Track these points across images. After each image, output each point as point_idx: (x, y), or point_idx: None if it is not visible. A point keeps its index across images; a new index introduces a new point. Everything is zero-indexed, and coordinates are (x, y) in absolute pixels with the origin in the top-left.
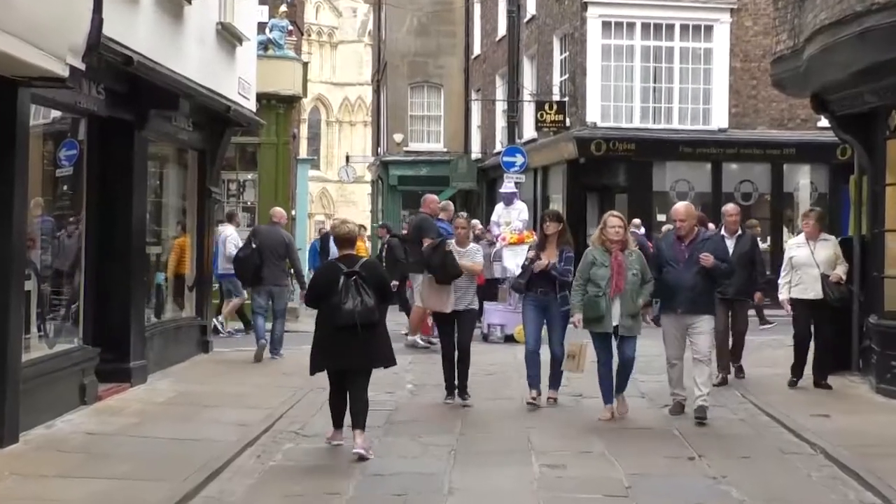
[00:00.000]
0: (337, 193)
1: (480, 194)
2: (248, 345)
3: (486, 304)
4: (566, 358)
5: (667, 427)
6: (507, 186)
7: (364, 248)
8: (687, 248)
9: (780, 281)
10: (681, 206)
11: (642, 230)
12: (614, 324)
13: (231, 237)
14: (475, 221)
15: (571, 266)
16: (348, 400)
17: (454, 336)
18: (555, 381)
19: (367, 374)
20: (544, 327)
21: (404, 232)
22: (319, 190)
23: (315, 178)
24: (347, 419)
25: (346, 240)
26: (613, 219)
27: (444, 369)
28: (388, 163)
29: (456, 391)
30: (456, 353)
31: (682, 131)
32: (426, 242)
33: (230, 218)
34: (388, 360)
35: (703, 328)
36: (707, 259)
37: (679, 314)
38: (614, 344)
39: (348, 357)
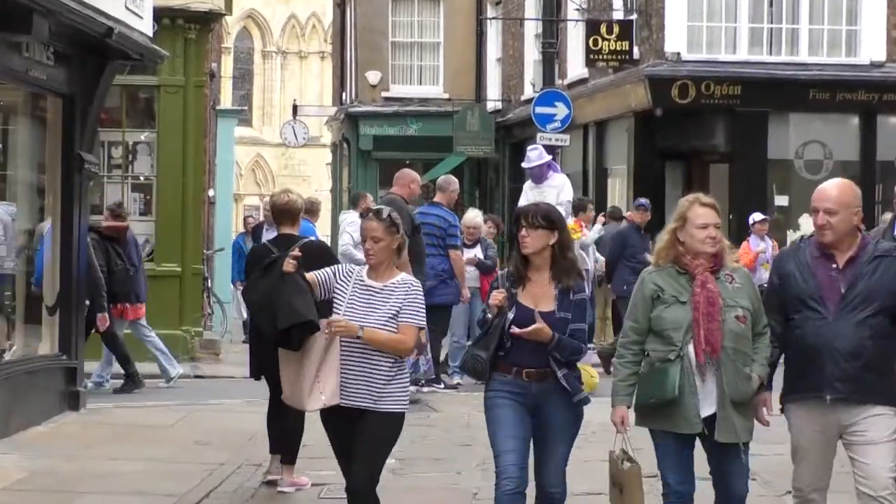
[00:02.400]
0: (279, 163)
1: (500, 165)
2: (145, 399)
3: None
4: None
5: None
6: (537, 153)
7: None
8: (842, 274)
9: None
10: (830, 189)
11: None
12: (705, 415)
13: (353, 223)
14: (475, 216)
15: (585, 321)
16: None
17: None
18: None
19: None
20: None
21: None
22: (252, 158)
23: (246, 139)
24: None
25: (284, 213)
26: (702, 210)
27: None
28: (357, 116)
29: None
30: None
31: (813, 67)
32: None
33: (355, 202)
34: None
35: (878, 433)
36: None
37: (827, 405)
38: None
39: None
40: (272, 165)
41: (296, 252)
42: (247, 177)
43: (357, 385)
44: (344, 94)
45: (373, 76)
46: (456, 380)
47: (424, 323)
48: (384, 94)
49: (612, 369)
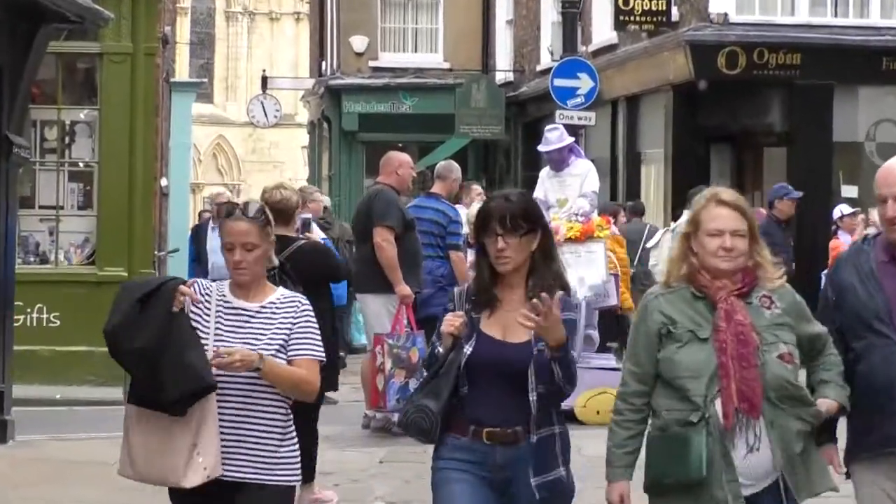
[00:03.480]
0: (245, 147)
1: (512, 149)
2: (85, 428)
3: None
4: None
5: None
6: (556, 135)
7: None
8: None
9: None
10: None
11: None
12: (747, 494)
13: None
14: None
15: (570, 352)
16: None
17: None
18: None
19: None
20: None
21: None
22: (213, 140)
23: (206, 118)
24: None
25: (278, 212)
26: (718, 211)
27: None
28: (339, 90)
29: None
30: None
31: (887, 31)
32: (380, 237)
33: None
34: (329, 385)
35: None
36: None
37: None
38: None
39: None
40: (237, 149)
41: (187, 286)
42: (207, 163)
43: (238, 450)
44: (324, 64)
45: (358, 42)
46: None
47: (324, 355)
48: (372, 63)
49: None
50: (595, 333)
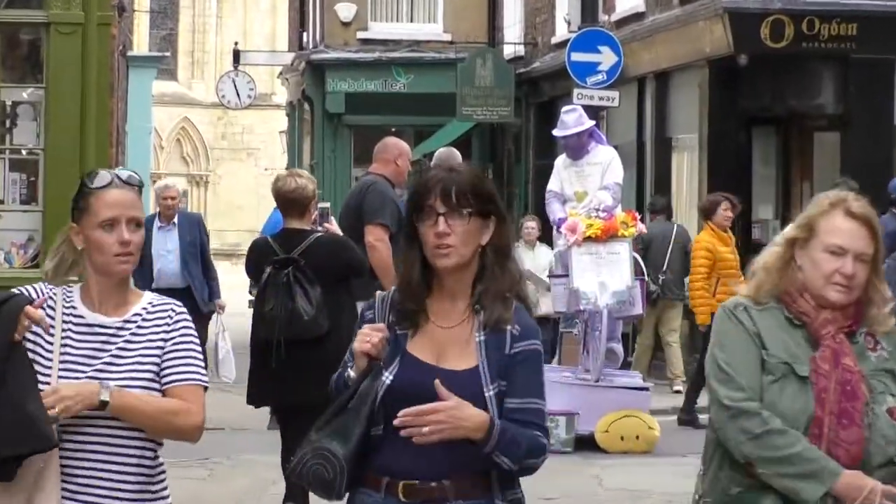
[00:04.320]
0: (215, 131)
1: (523, 134)
2: None
3: None
4: None
5: None
6: (574, 117)
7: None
8: None
9: None
10: None
11: None
12: None
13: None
14: None
15: (540, 393)
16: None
17: None
18: None
19: (305, 416)
20: None
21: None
22: (177, 124)
23: (168, 98)
24: None
25: (292, 202)
26: (845, 224)
27: None
28: (323, 66)
29: None
30: None
31: None
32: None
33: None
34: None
35: None
36: None
37: None
38: None
39: (276, 389)
40: (205, 134)
41: (35, 306)
42: (170, 150)
43: None
44: (305, 36)
45: (345, 10)
46: None
47: (207, 377)
48: (361, 34)
49: (759, 452)
50: (619, 347)
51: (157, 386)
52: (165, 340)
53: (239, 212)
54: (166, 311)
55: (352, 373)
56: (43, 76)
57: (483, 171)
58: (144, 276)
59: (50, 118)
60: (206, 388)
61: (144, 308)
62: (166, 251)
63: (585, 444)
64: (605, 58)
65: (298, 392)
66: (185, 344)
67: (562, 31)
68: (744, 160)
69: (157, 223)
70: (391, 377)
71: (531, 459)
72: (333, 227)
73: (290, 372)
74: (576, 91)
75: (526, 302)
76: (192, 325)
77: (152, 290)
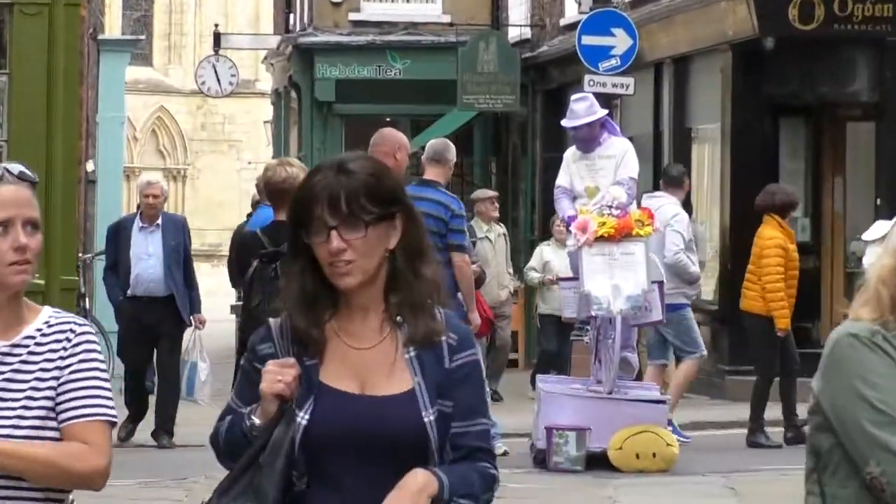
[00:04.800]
0: (194, 122)
1: (529, 124)
2: None
3: (543, 382)
4: None
5: None
6: (585, 106)
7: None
8: None
9: None
10: None
11: None
12: None
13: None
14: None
15: (484, 412)
16: None
17: None
18: None
19: None
20: None
21: None
22: (153, 113)
23: (144, 85)
24: None
25: (283, 193)
26: None
27: None
28: (312, 50)
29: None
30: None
31: None
32: None
33: (676, 181)
34: None
35: None
36: None
37: None
38: None
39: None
40: (183, 125)
41: None
42: (145, 142)
43: None
44: (291, 17)
45: None
46: (499, 448)
47: (114, 410)
48: (353, 16)
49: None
50: (633, 357)
51: (53, 424)
52: (62, 368)
53: (219, 209)
54: (64, 330)
55: (256, 420)
56: (5, 61)
57: (488, 162)
58: (121, 281)
59: (13, 107)
60: (113, 424)
61: (39, 329)
62: (147, 255)
63: (597, 462)
64: (619, 41)
65: None
66: (86, 371)
67: (572, 12)
68: (770, 153)
69: (137, 223)
70: (307, 417)
71: (487, 494)
72: None
73: None
74: (587, 77)
75: (448, 308)
76: (95, 345)
77: (128, 298)
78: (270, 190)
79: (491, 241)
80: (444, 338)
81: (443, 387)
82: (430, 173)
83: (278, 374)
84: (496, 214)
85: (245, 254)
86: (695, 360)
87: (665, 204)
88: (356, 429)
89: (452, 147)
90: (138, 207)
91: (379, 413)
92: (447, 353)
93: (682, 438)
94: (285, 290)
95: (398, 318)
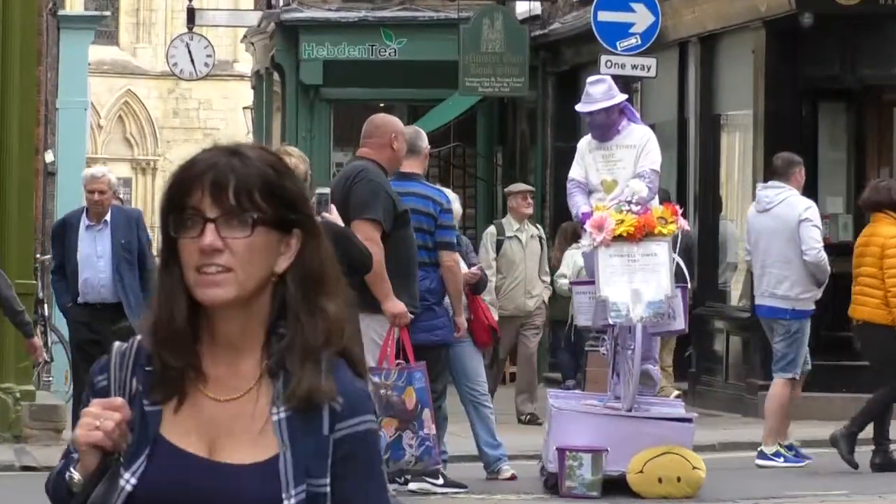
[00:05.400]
0: (165, 107)
1: (539, 110)
2: None
3: (554, 398)
4: None
5: None
6: (602, 89)
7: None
8: None
9: None
10: None
11: None
12: None
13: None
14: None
15: (380, 493)
16: None
17: None
18: None
19: None
20: None
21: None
22: (120, 98)
23: (109, 66)
24: None
25: None
26: None
27: None
28: (297, 28)
29: None
30: None
31: None
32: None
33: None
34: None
35: None
36: None
37: None
38: None
39: None
40: (153, 111)
41: None
42: (111, 130)
43: None
44: None
45: None
46: (506, 471)
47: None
48: None
49: None
50: (655, 370)
51: None
52: None
53: None
54: None
55: (76, 474)
56: None
57: (493, 153)
58: (69, 286)
59: None
60: None
61: None
62: (96, 257)
63: (615, 487)
64: (640, 17)
65: None
66: None
67: None
68: (808, 142)
69: (84, 221)
70: (134, 480)
71: None
72: (334, 216)
73: None
74: (603, 58)
75: (353, 360)
76: None
77: (78, 305)
78: None
79: (521, 241)
80: (327, 400)
81: (317, 461)
82: (406, 165)
83: (96, 420)
84: (529, 211)
85: None
86: (787, 381)
87: (791, 195)
88: (192, 499)
89: (423, 133)
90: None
91: (225, 486)
92: (328, 420)
93: (797, 462)
94: (146, 307)
95: (278, 365)
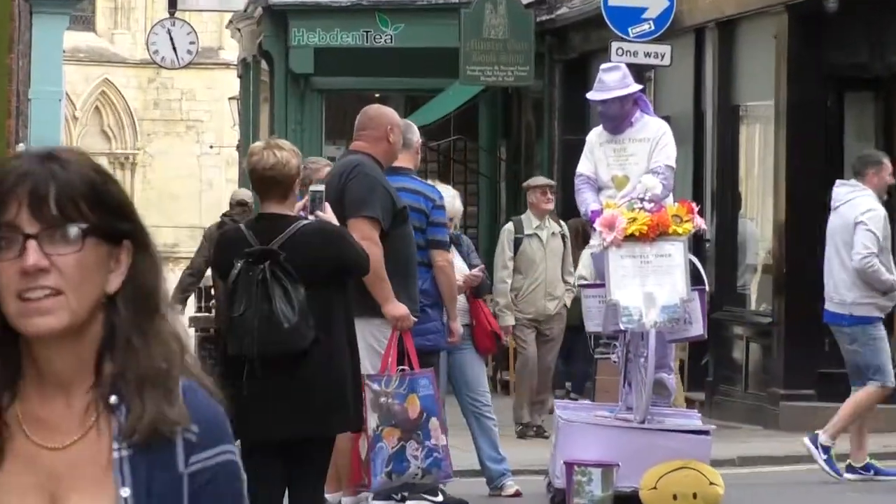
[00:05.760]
0: (144, 98)
1: (546, 101)
2: None
3: (562, 409)
4: None
5: None
6: (617, 77)
7: None
8: None
9: None
10: None
11: None
12: None
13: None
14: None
15: None
16: None
17: None
18: None
19: (315, 452)
20: None
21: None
22: (96, 87)
23: (85, 54)
24: None
25: (270, 182)
26: None
27: None
28: (286, 13)
29: None
30: None
31: None
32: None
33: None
34: (346, 423)
35: None
36: None
37: None
38: None
39: (251, 420)
40: (132, 102)
41: None
42: (87, 121)
43: None
44: None
45: None
46: (510, 487)
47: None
48: None
49: None
50: (670, 379)
51: None
52: None
53: (176, 202)
54: None
55: None
56: None
57: (497, 146)
58: None
59: None
60: None
61: None
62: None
63: (628, 501)
64: (653, 1)
65: (278, 424)
66: None
67: None
68: (834, 134)
69: None
70: None
71: None
72: (329, 215)
73: (268, 397)
74: (614, 45)
75: (199, 379)
76: None
77: None
78: (256, 178)
79: (541, 239)
80: (178, 429)
81: (170, 503)
82: (401, 159)
83: None
84: (550, 207)
85: (227, 253)
86: (877, 389)
87: (859, 196)
88: None
89: (414, 126)
90: None
91: None
92: (182, 453)
93: (834, 473)
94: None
95: (113, 397)
